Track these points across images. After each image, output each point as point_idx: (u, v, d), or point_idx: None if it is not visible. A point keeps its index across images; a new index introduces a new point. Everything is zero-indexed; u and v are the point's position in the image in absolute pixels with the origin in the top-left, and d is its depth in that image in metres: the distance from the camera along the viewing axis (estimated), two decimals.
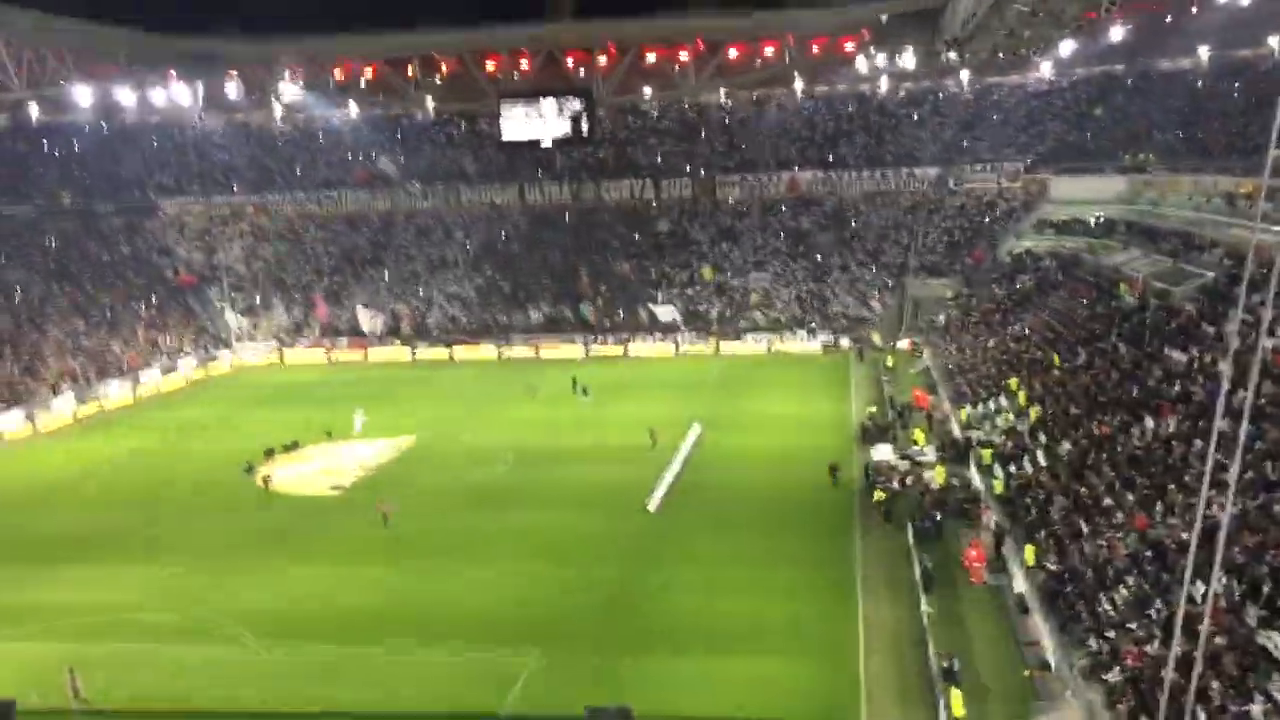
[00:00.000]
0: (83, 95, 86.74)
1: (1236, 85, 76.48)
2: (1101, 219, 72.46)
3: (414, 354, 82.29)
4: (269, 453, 51.75)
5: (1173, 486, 30.98)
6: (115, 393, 69.60)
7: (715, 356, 77.70)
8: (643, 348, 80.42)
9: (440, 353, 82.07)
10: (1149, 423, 36.35)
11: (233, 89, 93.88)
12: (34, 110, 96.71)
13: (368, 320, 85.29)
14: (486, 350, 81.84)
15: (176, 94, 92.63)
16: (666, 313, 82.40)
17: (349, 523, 42.32)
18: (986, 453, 41.83)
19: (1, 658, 31.07)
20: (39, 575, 37.78)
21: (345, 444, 54.30)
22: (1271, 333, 35.47)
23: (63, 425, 63.58)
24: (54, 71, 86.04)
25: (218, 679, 29.44)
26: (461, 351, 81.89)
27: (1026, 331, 57.21)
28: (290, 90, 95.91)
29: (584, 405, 61.61)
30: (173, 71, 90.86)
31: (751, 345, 79.09)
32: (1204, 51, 79.15)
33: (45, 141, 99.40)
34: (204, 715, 27.70)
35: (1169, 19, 70.54)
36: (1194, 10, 64.83)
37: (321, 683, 28.95)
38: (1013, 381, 49.02)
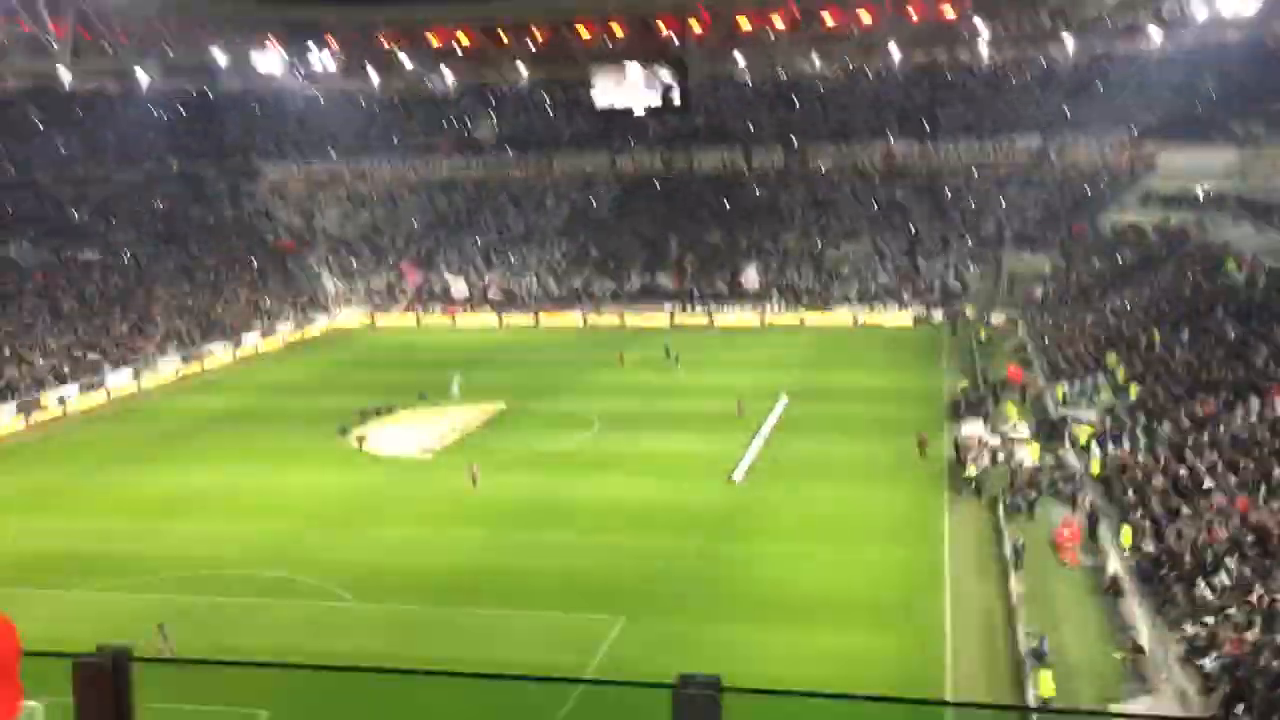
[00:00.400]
0: (190, 61, 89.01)
1: None
2: (1210, 192, 70.00)
3: (500, 320, 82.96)
4: (363, 415, 52.78)
5: (1278, 470, 29.94)
6: (218, 353, 71.64)
7: (802, 327, 77.02)
8: (728, 317, 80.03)
9: (528, 319, 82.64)
10: (1254, 403, 35.18)
11: (329, 57, 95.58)
12: (143, 77, 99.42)
13: (457, 285, 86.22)
14: (574, 317, 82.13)
15: (276, 61, 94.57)
16: (750, 277, 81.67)
17: (440, 484, 43.05)
18: (1083, 431, 40.87)
19: (107, 607, 32.35)
20: (143, 528, 39.18)
21: (438, 408, 55.14)
22: None
23: (166, 382, 65.67)
24: (158, 38, 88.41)
25: (314, 633, 30.25)
26: (549, 318, 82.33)
27: (1128, 307, 55.67)
28: (386, 58, 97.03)
29: (675, 372, 61.70)
30: (271, 38, 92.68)
31: (841, 316, 78.24)
32: None
33: (152, 108, 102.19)
34: (298, 669, 28.48)
35: None
36: None
37: (412, 640, 29.57)
38: (1111, 358, 47.79)
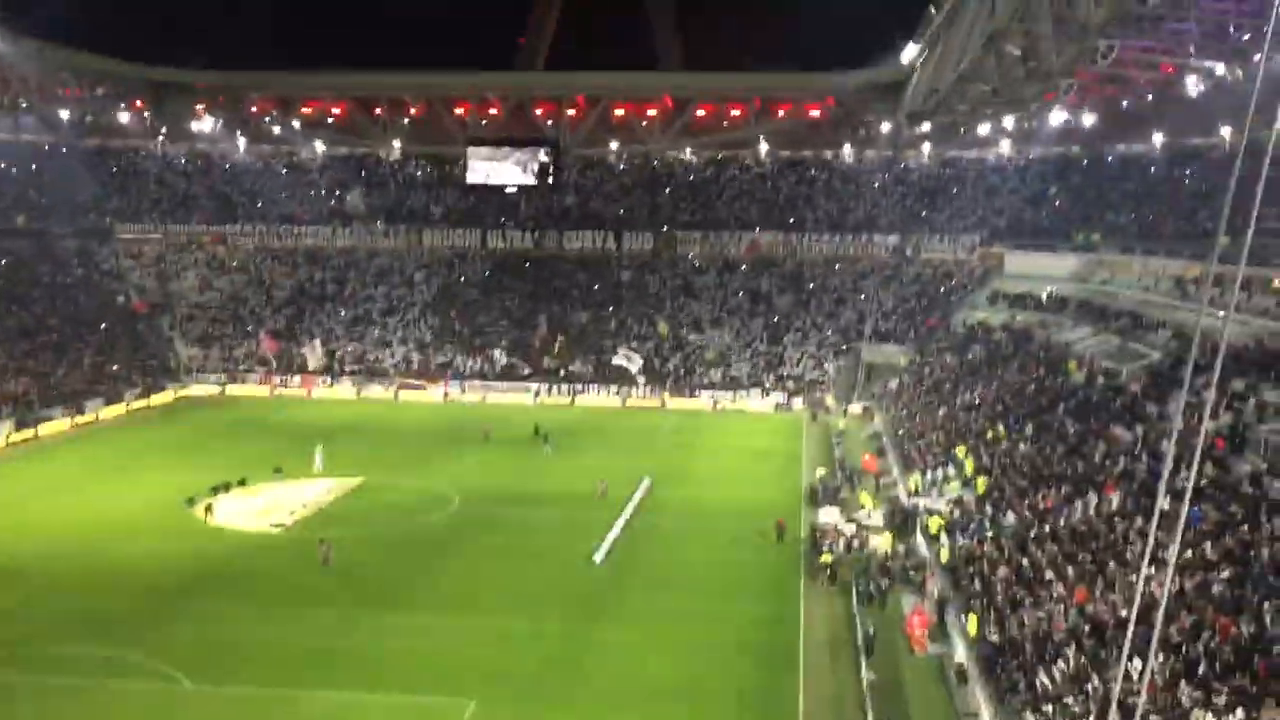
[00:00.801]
0: (47, 118, 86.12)
1: (1188, 172, 78.49)
2: (1054, 295, 73.64)
3: (359, 393, 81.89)
4: (216, 489, 50.80)
5: (1113, 563, 31.30)
6: (55, 419, 68.25)
7: (665, 410, 77.72)
8: (590, 398, 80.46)
9: (389, 393, 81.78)
10: (1092, 498, 36.76)
11: (197, 121, 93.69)
12: None
13: (316, 357, 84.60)
14: (436, 393, 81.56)
15: (141, 122, 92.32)
16: (635, 362, 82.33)
17: (289, 560, 41.61)
18: (934, 520, 42.05)
19: None
20: None
21: (294, 482, 53.54)
22: (1214, 415, 36.19)
23: None
24: (17, 92, 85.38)
25: (146, 719, 28.66)
26: (411, 393, 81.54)
27: (977, 401, 57.76)
28: (256, 124, 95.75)
29: (546, 455, 61.27)
30: (139, 101, 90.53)
31: (704, 401, 79.33)
32: (1158, 138, 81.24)
33: (2, 162, 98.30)
34: None
35: (1125, 104, 72.39)
36: (1149, 98, 66.61)
37: None
38: (961, 450, 49.38)
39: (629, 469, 56.43)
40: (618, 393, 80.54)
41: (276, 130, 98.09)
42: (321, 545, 40.96)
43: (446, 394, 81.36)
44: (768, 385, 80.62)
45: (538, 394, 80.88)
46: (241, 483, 52.38)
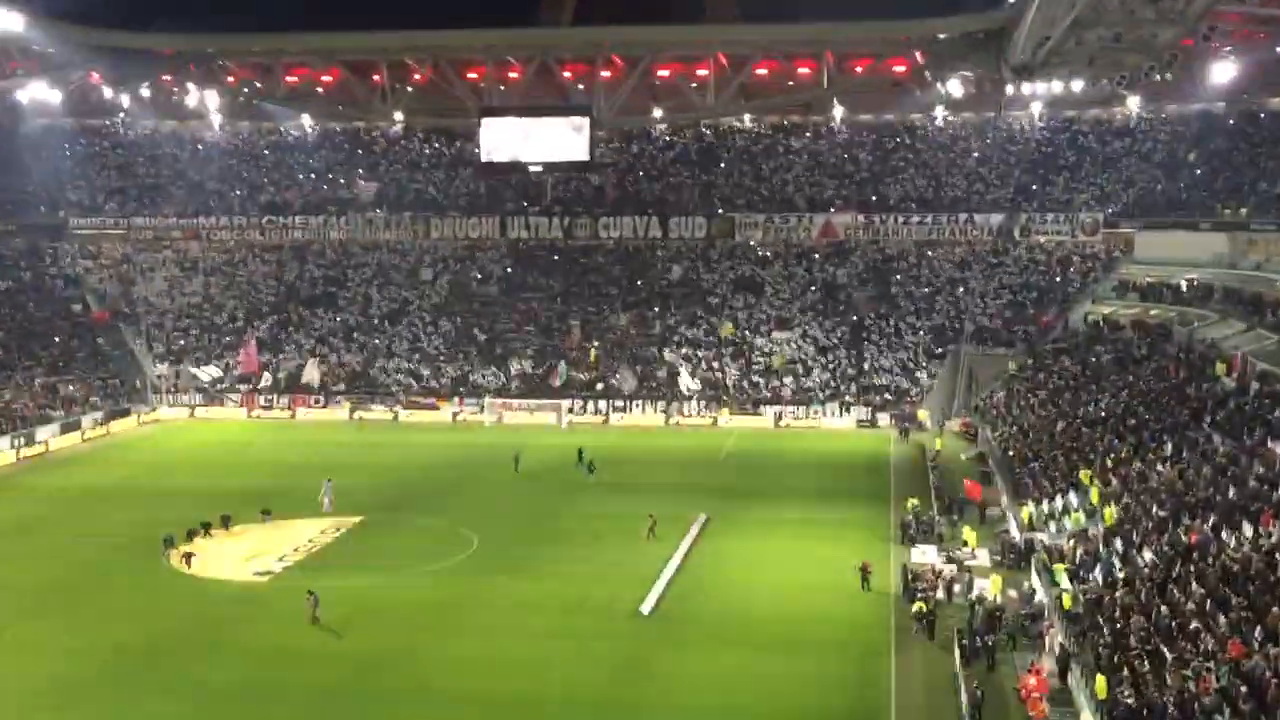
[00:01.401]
0: None
1: None
2: (1195, 283, 72.79)
3: (353, 414, 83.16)
4: (193, 532, 51.21)
5: (1275, 609, 30.80)
6: (2, 449, 69.38)
7: (725, 431, 77.68)
8: (633, 417, 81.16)
9: (388, 414, 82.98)
10: (1246, 530, 36.20)
11: (163, 94, 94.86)
12: None
13: (308, 372, 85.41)
14: (447, 413, 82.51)
15: (99, 97, 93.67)
16: (687, 378, 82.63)
17: (272, 617, 41.88)
18: (1060, 567, 41.56)
19: None
20: None
21: (286, 522, 54.00)
22: None
23: None
24: None
25: None
26: (417, 414, 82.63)
27: (1103, 414, 57.19)
28: (233, 97, 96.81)
29: (589, 485, 61.49)
30: (94, 72, 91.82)
31: (772, 419, 79.25)
32: None
33: None
34: None
35: None
36: None
37: None
38: (1085, 474, 48.90)
39: (680, 502, 56.35)
40: (665, 410, 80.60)
41: (256, 103, 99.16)
42: (308, 599, 41.13)
43: (457, 415, 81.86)
44: (847, 398, 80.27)
45: (570, 412, 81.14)
46: (225, 523, 52.82)
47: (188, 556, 47.91)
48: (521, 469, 64.86)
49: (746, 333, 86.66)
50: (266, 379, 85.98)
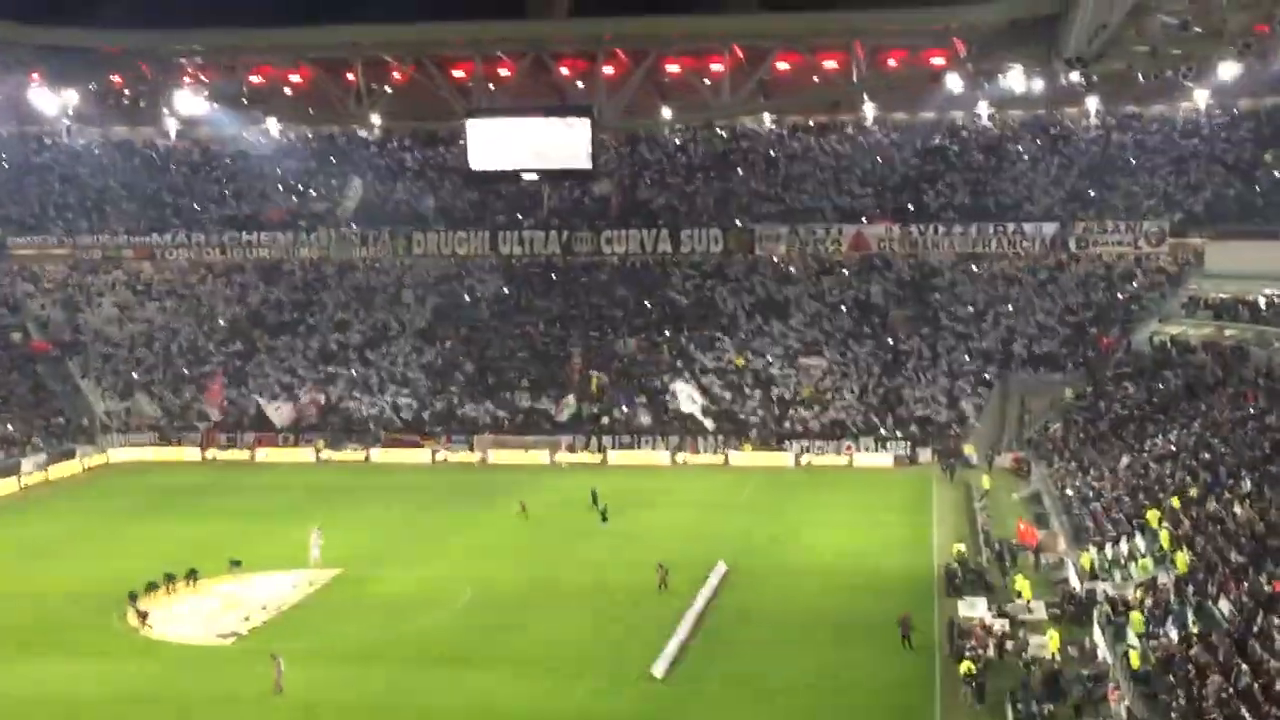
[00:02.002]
0: None
1: None
2: (1275, 299, 72.72)
3: (318, 455, 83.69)
4: (154, 585, 51.11)
5: None
6: None
7: (747, 469, 77.74)
8: (637, 455, 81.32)
9: (373, 453, 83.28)
10: None
11: (114, 97, 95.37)
12: None
13: (277, 407, 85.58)
14: (432, 452, 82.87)
15: (39, 101, 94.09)
16: (685, 396, 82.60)
17: (234, 686, 41.79)
18: (1137, 617, 41.38)
19: None
20: None
21: (256, 576, 54.05)
22: None
23: None
24: None
25: None
26: (398, 453, 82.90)
27: (1173, 448, 57.10)
28: (190, 100, 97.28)
29: (600, 527, 61.79)
30: (34, 74, 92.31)
31: (797, 455, 79.44)
32: None
33: None
34: None
35: None
36: None
37: None
38: (1153, 515, 48.77)
39: (696, 549, 56.31)
40: (679, 446, 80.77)
41: (216, 107, 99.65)
42: (274, 661, 40.95)
43: (437, 454, 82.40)
44: (883, 431, 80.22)
45: (571, 450, 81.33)
46: (191, 577, 52.68)
47: (143, 615, 47.91)
48: (528, 513, 64.87)
49: (768, 359, 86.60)
50: (215, 415, 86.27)
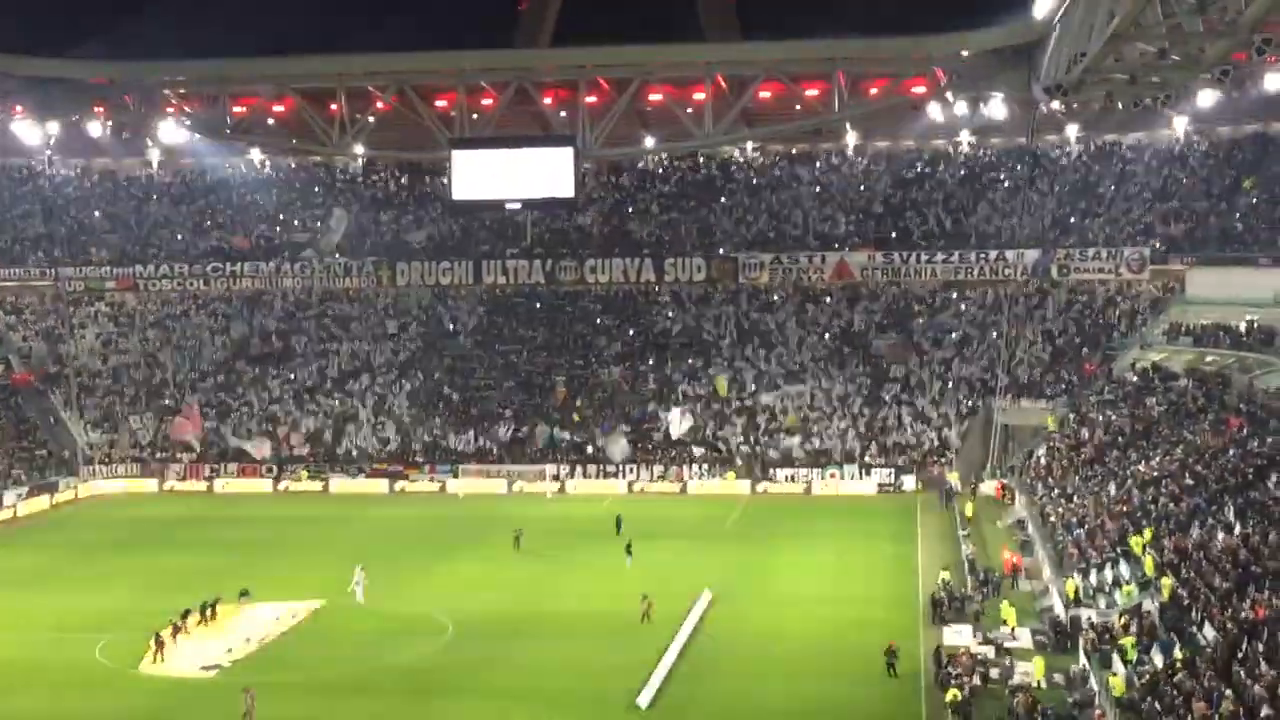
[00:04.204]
0: None
1: None
2: (1256, 325, 72.93)
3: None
4: (178, 623, 50.41)
5: None
6: None
7: (732, 496, 77.75)
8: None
9: (354, 484, 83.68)
10: None
11: (97, 128, 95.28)
12: None
13: (263, 453, 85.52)
14: (420, 483, 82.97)
15: (22, 133, 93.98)
16: (677, 421, 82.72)
17: (215, 717, 41.57)
18: (1129, 642, 41.32)
19: None
20: None
21: (248, 606, 53.79)
22: None
23: None
24: None
25: None
26: (382, 483, 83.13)
27: (1155, 474, 57.16)
28: (173, 131, 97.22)
29: (625, 563, 60.95)
30: (17, 106, 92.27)
31: (783, 483, 79.41)
32: None
33: None
34: None
35: None
36: None
37: None
38: (1136, 542, 48.81)
39: (679, 579, 56.22)
40: (662, 475, 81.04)
41: (199, 138, 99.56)
42: (245, 696, 40.51)
43: (398, 485, 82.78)
44: (868, 459, 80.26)
45: (556, 479, 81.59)
46: (208, 611, 51.99)
47: (159, 647, 47.29)
48: (523, 546, 64.62)
49: (754, 386, 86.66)
50: (196, 446, 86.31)
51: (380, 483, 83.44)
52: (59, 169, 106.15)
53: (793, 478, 79.97)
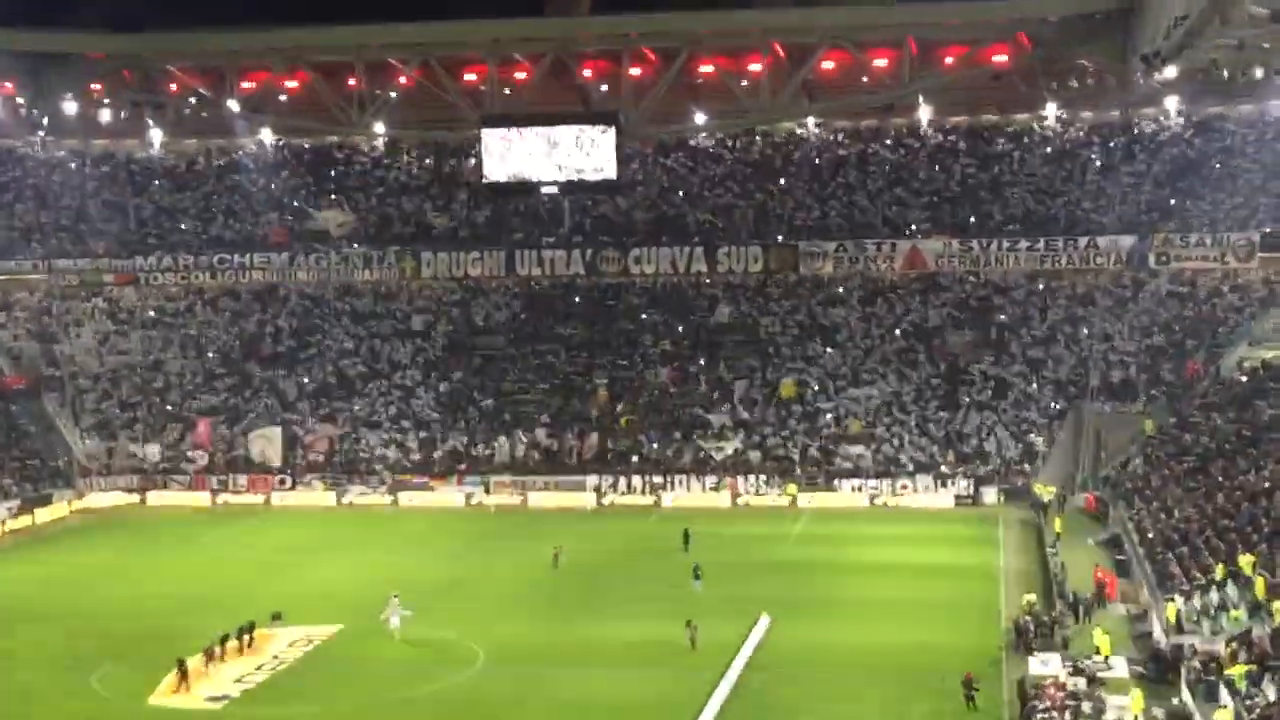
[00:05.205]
0: None
1: None
2: None
3: (340, 499, 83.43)
4: (213, 649, 50.61)
5: None
6: None
7: (794, 509, 77.91)
8: (681, 496, 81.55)
9: (380, 498, 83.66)
10: None
11: (92, 107, 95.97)
12: None
13: (275, 449, 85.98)
14: (449, 495, 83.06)
15: (12, 112, 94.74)
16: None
17: None
18: (1238, 670, 40.97)
19: None
20: None
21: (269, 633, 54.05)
22: None
23: None
24: None
25: None
26: (414, 496, 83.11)
27: (1266, 485, 56.68)
28: (176, 110, 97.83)
29: (696, 591, 60.62)
30: (8, 82, 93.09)
31: (848, 495, 79.30)
32: None
33: None
34: None
35: None
36: None
37: None
38: (1246, 561, 48.41)
39: (731, 604, 56.10)
40: (718, 484, 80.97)
41: (205, 115, 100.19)
42: None
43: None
44: (944, 469, 79.92)
45: (598, 491, 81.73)
46: (245, 635, 52.16)
47: (183, 676, 47.55)
48: (561, 565, 64.82)
49: (816, 388, 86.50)
50: (203, 457, 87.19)
51: (403, 494, 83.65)
52: (53, 151, 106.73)
53: (859, 489, 79.60)
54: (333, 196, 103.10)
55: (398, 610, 53.93)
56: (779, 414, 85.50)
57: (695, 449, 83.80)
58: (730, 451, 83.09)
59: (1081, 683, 43.91)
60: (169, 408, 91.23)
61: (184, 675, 47.43)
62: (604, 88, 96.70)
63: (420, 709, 45.97)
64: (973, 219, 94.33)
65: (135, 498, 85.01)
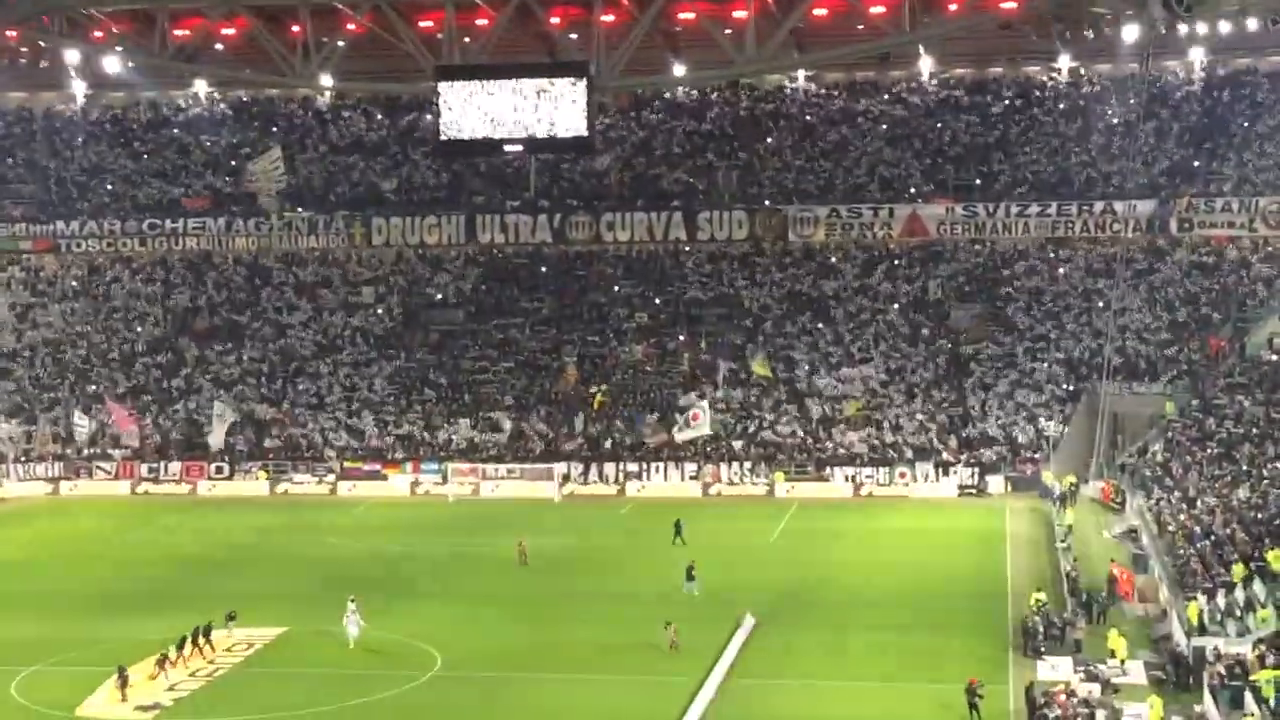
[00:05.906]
0: None
1: None
2: None
3: (275, 487, 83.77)
4: (167, 655, 50.48)
5: None
6: None
7: (779, 500, 78.20)
8: (653, 485, 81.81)
9: (321, 486, 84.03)
10: None
11: (9, 56, 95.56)
12: None
13: (224, 425, 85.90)
14: (397, 484, 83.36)
15: None
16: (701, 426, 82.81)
17: None
18: (1266, 676, 41.13)
19: None
20: None
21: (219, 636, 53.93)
22: None
23: None
24: None
25: None
26: (362, 485, 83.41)
27: None
28: (101, 59, 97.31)
29: (689, 593, 60.58)
30: None
31: (841, 484, 79.40)
32: None
33: None
34: None
35: None
36: None
37: None
38: (1274, 556, 48.62)
39: (715, 602, 56.16)
40: (695, 476, 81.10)
41: (133, 65, 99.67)
42: None
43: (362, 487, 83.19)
44: (946, 455, 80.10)
45: (567, 480, 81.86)
46: (199, 638, 52.01)
47: (123, 683, 47.42)
48: (529, 564, 64.78)
49: (806, 368, 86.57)
50: (133, 436, 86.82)
51: (348, 484, 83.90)
52: None
53: (853, 478, 79.82)
54: (266, 156, 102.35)
55: (356, 619, 53.15)
56: (763, 396, 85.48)
57: (672, 431, 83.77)
58: (710, 435, 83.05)
59: (1095, 689, 44.11)
60: (93, 388, 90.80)
61: (124, 683, 47.37)
62: (573, 36, 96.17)
63: (367, 718, 45.93)
64: (978, 181, 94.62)
65: (60, 488, 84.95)
